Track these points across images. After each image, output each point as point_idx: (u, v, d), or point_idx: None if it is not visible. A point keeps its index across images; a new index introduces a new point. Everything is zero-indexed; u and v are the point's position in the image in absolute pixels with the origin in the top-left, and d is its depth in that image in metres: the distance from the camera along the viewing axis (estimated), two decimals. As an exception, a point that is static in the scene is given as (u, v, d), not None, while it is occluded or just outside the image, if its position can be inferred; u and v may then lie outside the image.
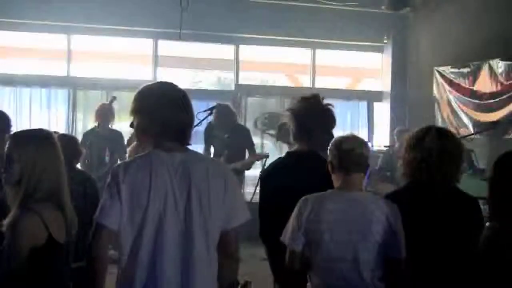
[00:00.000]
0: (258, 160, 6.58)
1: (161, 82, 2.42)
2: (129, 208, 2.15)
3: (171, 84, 2.37)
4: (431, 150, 2.66)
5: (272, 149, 8.40)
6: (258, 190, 7.19)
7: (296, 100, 3.02)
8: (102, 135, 6.55)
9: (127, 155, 5.87)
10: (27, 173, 2.39)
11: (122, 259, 2.21)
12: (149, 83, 2.41)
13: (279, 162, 3.14)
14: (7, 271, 2.30)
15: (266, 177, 3.04)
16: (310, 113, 2.94)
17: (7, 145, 2.47)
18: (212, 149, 6.32)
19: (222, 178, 2.30)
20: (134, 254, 2.17)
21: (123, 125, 8.04)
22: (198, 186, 2.21)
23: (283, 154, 3.15)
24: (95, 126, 6.70)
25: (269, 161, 7.30)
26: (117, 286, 2.26)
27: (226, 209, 2.27)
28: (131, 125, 2.34)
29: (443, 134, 2.77)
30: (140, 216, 2.15)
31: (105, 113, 6.57)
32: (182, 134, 2.29)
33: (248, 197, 7.03)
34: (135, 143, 4.65)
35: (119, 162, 6.56)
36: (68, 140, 3.62)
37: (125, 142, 6.54)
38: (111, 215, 2.16)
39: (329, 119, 3.01)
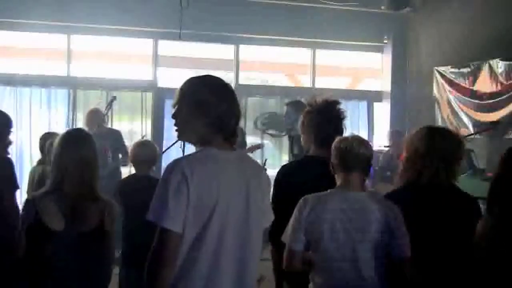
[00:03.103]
0: (251, 152, 6.55)
1: (208, 75, 2.25)
2: (196, 208, 2.02)
3: (219, 78, 2.24)
4: (424, 149, 2.69)
5: (272, 149, 8.41)
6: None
7: (316, 104, 2.93)
8: (102, 135, 6.54)
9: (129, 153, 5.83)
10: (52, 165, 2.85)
11: (180, 257, 2.06)
12: (195, 75, 2.24)
13: (295, 164, 3.15)
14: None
15: (282, 178, 2.99)
16: (330, 122, 2.91)
17: None
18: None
19: (266, 177, 2.30)
20: (195, 253, 2.05)
21: (123, 125, 8.07)
22: (253, 186, 2.17)
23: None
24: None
25: (268, 162, 7.34)
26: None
27: (264, 208, 2.26)
28: (173, 116, 2.18)
29: (437, 132, 2.80)
30: (206, 216, 2.04)
31: (91, 118, 6.57)
32: (234, 131, 2.20)
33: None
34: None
35: (119, 161, 6.58)
36: None
37: (124, 142, 6.54)
38: (176, 218, 2.00)
39: (342, 125, 2.99)
